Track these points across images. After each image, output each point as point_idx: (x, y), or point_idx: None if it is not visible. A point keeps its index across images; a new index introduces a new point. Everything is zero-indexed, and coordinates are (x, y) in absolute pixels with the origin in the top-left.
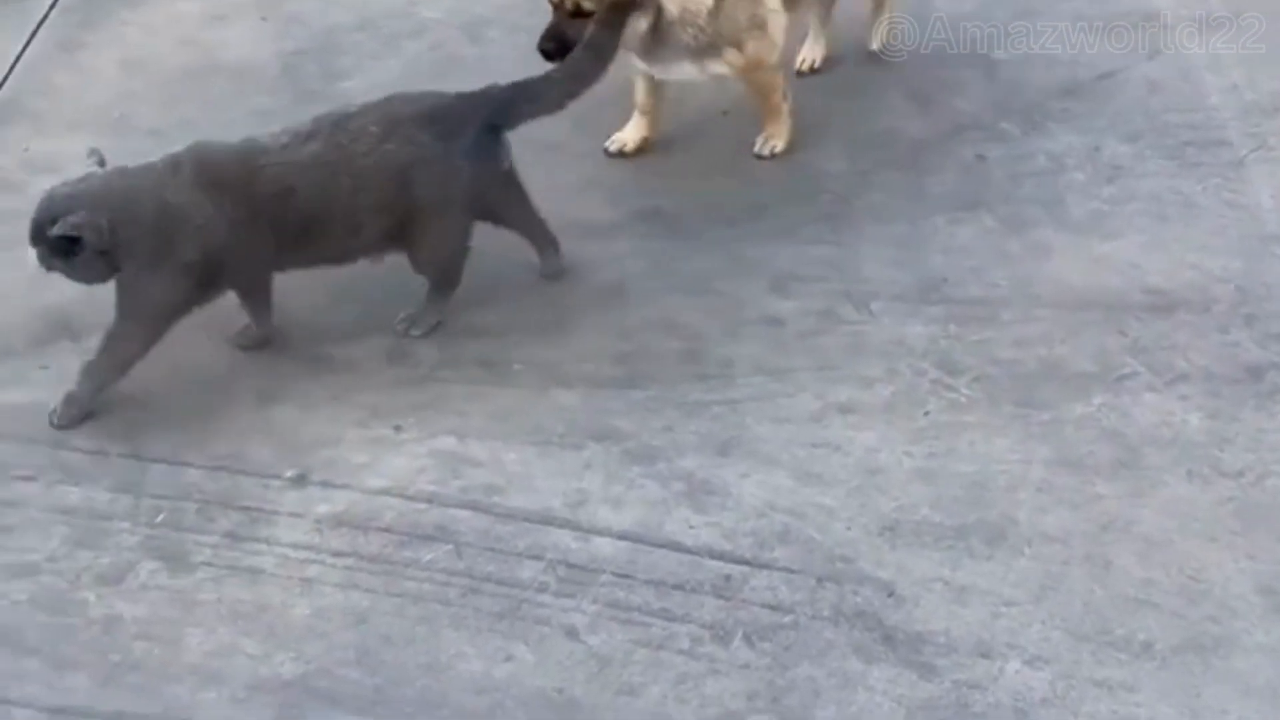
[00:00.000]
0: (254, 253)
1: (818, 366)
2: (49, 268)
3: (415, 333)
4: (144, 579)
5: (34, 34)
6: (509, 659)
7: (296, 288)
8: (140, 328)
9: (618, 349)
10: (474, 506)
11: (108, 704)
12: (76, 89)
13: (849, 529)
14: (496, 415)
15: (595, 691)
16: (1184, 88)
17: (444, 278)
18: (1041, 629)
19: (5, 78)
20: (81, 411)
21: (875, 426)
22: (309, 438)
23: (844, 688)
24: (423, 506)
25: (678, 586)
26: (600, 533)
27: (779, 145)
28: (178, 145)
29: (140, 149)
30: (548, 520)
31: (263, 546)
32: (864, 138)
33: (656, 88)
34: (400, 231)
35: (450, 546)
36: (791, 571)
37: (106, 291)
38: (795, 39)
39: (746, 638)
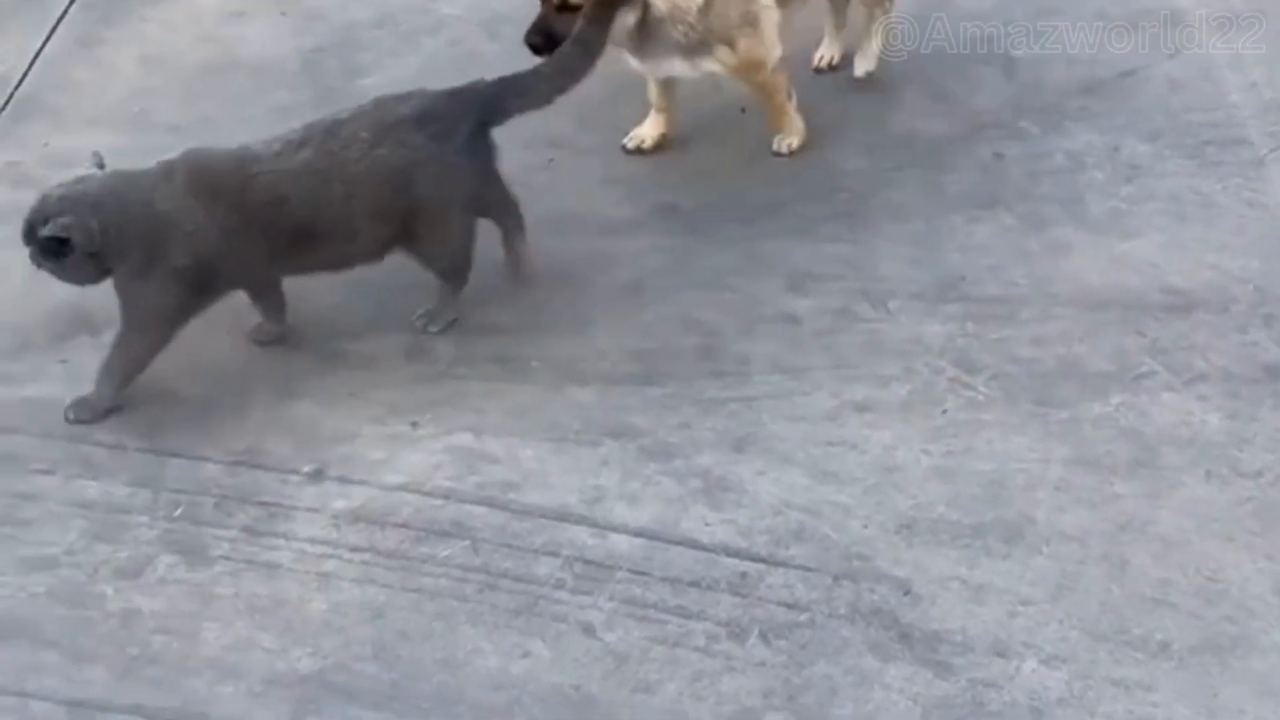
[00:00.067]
0: (248, 260)
1: (834, 364)
2: (39, 268)
3: (433, 328)
4: (162, 573)
5: (54, 30)
6: (525, 655)
7: (313, 284)
8: (142, 333)
9: (634, 346)
10: (490, 503)
11: (125, 697)
12: (96, 85)
13: (865, 527)
14: (513, 412)
15: (611, 688)
16: (1205, 87)
17: (454, 274)
18: (1058, 628)
19: (25, 73)
20: (95, 414)
21: (892, 425)
22: (326, 433)
23: (860, 686)
24: (439, 502)
25: (694, 584)
26: (617, 529)
27: (794, 143)
28: (197, 141)
29: (160, 145)
30: (564, 517)
31: (280, 541)
32: (882, 135)
33: (667, 85)
34: (403, 235)
35: (467, 542)
36: (808, 569)
37: None
38: (811, 39)
39: (763, 635)
